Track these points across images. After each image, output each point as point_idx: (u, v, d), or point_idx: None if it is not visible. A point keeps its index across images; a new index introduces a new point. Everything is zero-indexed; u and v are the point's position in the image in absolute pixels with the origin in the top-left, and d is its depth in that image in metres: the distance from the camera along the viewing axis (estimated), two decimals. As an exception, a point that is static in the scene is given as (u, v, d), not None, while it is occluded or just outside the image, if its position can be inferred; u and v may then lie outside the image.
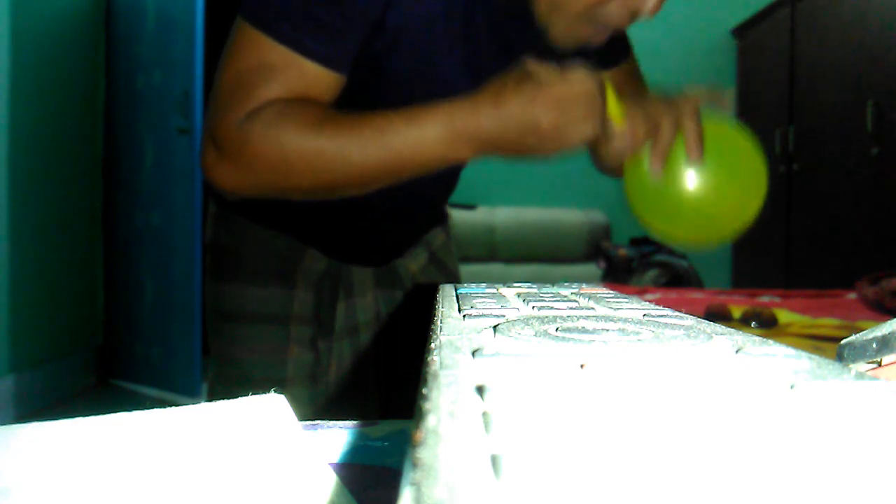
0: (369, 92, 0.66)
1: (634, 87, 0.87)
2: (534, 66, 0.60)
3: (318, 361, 0.76)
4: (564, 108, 0.58)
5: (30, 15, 2.20)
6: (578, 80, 0.58)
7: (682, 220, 0.71)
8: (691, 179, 0.67)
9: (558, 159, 0.63)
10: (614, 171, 0.83)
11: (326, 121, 0.60)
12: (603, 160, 0.72)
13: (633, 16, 0.63)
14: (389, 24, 0.62)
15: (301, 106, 0.61)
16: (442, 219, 0.91)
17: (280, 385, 0.72)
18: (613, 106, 0.64)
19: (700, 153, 0.64)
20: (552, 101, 0.58)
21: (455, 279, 0.89)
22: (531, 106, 0.58)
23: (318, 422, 0.34)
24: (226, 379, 0.77)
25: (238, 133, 0.61)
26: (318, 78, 0.61)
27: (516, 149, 0.60)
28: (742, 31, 3.24)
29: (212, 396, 0.78)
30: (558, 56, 0.78)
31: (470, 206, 2.99)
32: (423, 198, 0.81)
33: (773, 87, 2.96)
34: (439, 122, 0.59)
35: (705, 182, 0.67)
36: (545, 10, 0.62)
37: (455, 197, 0.90)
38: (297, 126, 0.60)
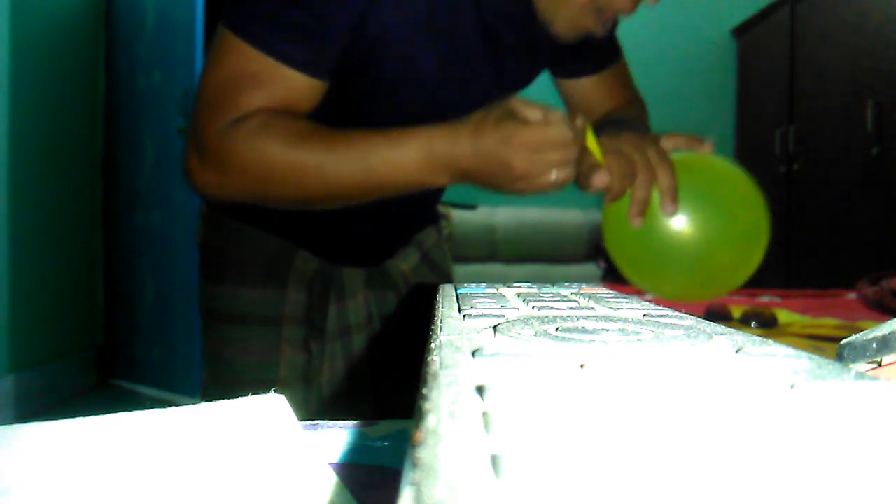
0: (355, 100, 0.66)
1: (622, 95, 0.86)
2: (518, 104, 0.60)
3: (310, 363, 0.76)
4: (537, 153, 0.57)
5: (30, 15, 2.20)
6: (556, 126, 0.57)
7: (667, 278, 0.65)
8: (673, 232, 0.61)
9: (540, 192, 0.61)
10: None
11: (309, 135, 0.61)
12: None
13: (636, 1, 0.62)
14: (371, 32, 0.62)
15: (285, 118, 0.61)
16: (434, 218, 0.90)
17: (272, 386, 0.71)
18: (595, 149, 0.62)
19: (673, 208, 0.62)
20: (525, 144, 0.57)
21: (448, 279, 0.88)
22: (504, 146, 0.57)
23: (318, 422, 0.34)
24: (219, 380, 0.78)
25: (221, 141, 0.61)
26: (298, 85, 0.61)
27: (489, 182, 0.61)
28: (742, 31, 3.24)
29: (205, 397, 0.78)
30: (547, 56, 0.78)
31: (470, 206, 2.99)
32: (413, 200, 0.81)
33: (773, 87, 2.96)
34: (418, 147, 0.59)
35: (691, 234, 0.62)
36: (548, 4, 0.62)
37: (455, 197, 0.89)
38: (279, 138, 0.60)
